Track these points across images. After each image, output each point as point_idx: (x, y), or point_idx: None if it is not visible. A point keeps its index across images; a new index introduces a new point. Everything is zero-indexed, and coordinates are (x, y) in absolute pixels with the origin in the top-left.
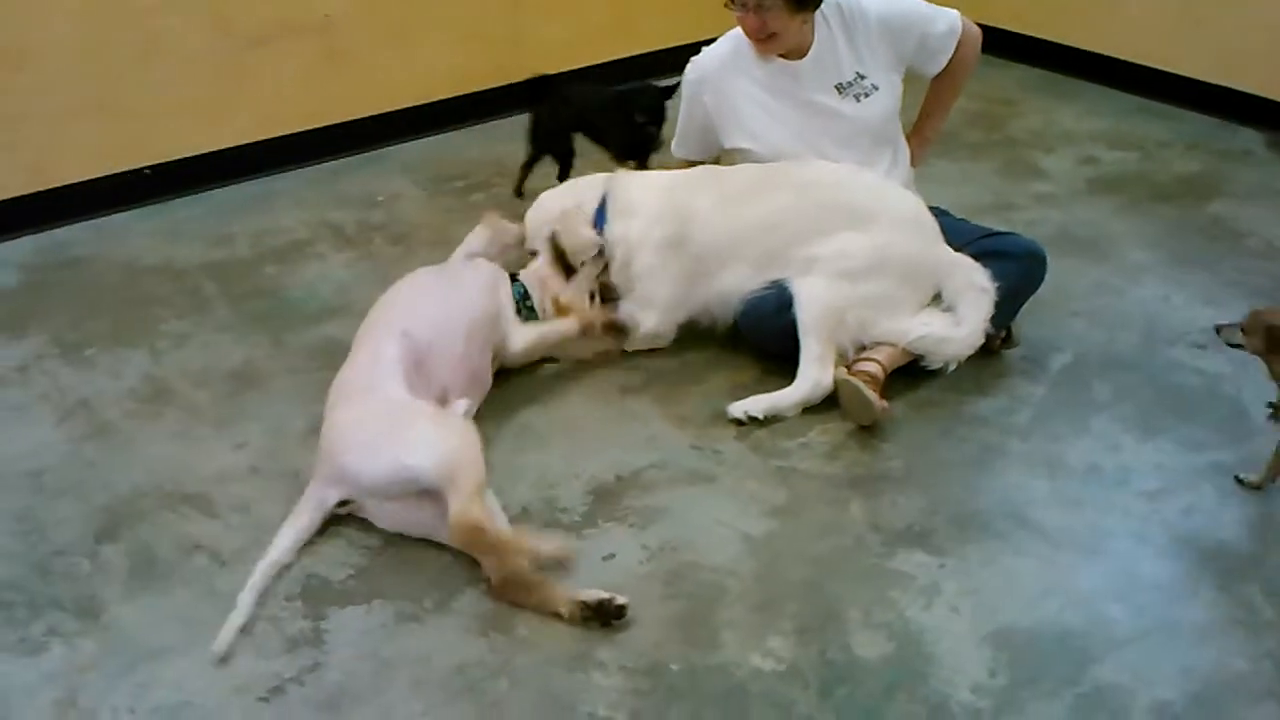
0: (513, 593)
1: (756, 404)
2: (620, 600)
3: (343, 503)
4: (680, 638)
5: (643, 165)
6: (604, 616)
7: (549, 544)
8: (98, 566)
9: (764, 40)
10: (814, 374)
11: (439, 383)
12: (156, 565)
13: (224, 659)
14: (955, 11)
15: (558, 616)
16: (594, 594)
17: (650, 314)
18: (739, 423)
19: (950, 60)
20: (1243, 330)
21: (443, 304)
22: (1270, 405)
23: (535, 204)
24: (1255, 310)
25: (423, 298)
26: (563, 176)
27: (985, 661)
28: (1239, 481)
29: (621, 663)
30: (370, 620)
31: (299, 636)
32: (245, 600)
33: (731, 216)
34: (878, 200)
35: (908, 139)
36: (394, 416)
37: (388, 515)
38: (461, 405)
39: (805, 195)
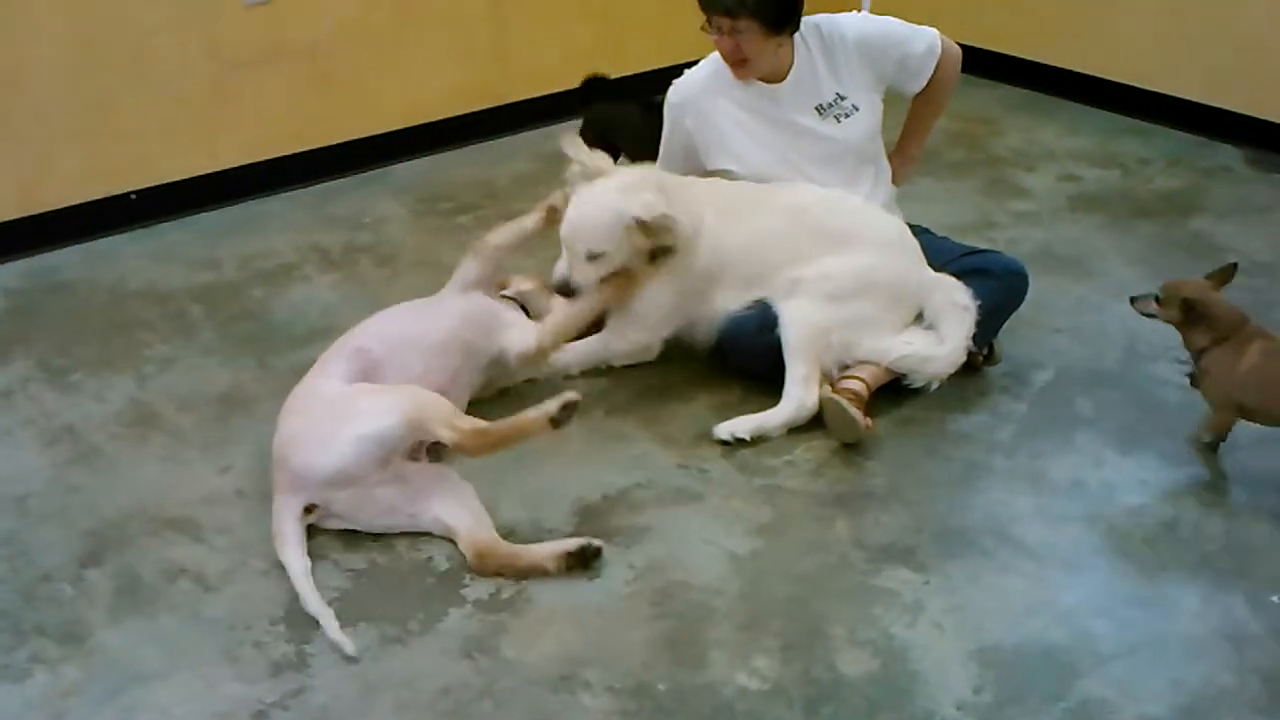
0: (495, 566)
1: (743, 425)
2: (596, 543)
3: (307, 510)
4: (667, 657)
5: None
6: (586, 560)
7: (551, 404)
8: (82, 591)
9: (738, 64)
10: (799, 395)
11: (391, 374)
12: (141, 590)
13: (355, 657)
14: (934, 31)
15: (545, 573)
16: (573, 542)
17: (642, 329)
18: (725, 444)
19: (931, 79)
20: (1158, 301)
21: (406, 324)
22: (1189, 375)
23: (588, 201)
24: (1170, 281)
25: (387, 319)
26: None
27: (970, 678)
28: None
29: (608, 683)
30: (355, 643)
31: (283, 661)
32: (316, 606)
33: (723, 234)
34: (861, 224)
35: (890, 158)
36: (333, 406)
37: (357, 507)
38: None
39: (789, 219)
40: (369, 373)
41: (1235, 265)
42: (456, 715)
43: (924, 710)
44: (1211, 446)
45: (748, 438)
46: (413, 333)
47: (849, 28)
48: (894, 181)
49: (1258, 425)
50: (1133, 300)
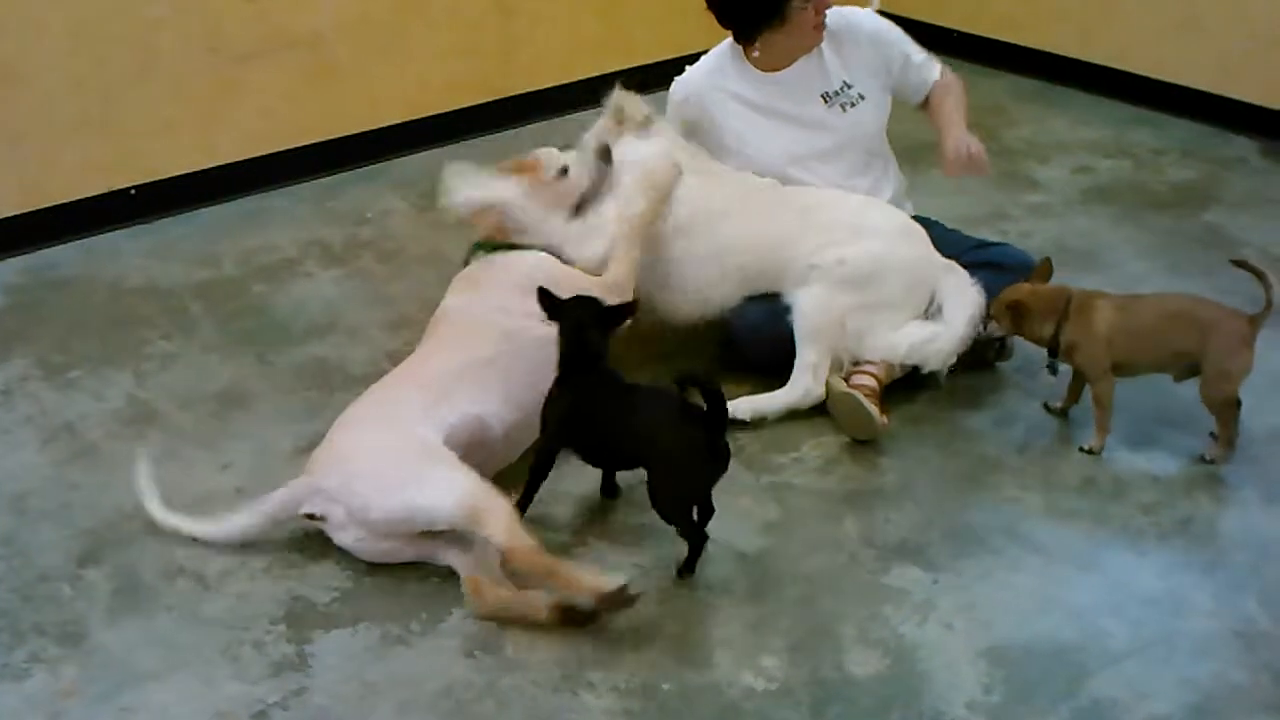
0: (489, 606)
1: (742, 406)
2: (585, 604)
3: (310, 516)
4: (672, 656)
5: None
6: (577, 618)
7: (612, 579)
8: (81, 591)
9: (823, 25)
10: (806, 381)
11: (497, 462)
12: (140, 589)
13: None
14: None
15: (537, 622)
16: (565, 597)
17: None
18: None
19: (935, 85)
20: (993, 318)
21: (528, 397)
22: (1047, 366)
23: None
24: (997, 297)
25: (508, 385)
26: None
27: (980, 677)
28: (1046, 408)
29: (612, 683)
30: (356, 643)
31: (284, 660)
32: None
33: (724, 221)
34: (867, 215)
35: (944, 139)
36: (412, 455)
37: (360, 543)
38: None
39: (800, 216)
40: (475, 445)
41: (1049, 260)
42: (458, 715)
43: (933, 710)
44: (1064, 411)
45: (747, 419)
46: (530, 408)
47: (859, 19)
48: (948, 147)
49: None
50: (983, 325)
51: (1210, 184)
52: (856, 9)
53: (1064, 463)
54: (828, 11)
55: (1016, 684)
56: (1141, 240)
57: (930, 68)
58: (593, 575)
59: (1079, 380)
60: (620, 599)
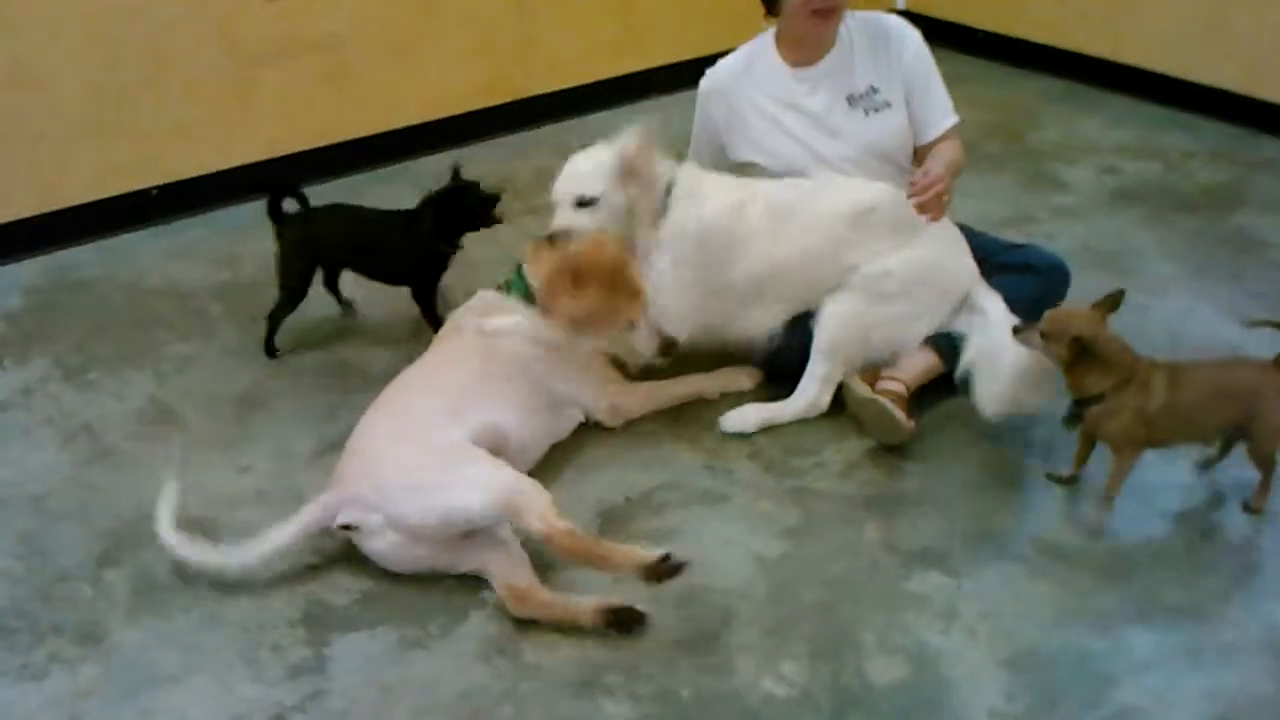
0: (530, 611)
1: (751, 417)
2: (641, 608)
3: (345, 527)
4: (691, 662)
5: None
6: (625, 623)
7: (652, 553)
8: (100, 591)
9: (831, 13)
10: (815, 393)
11: None
12: (159, 590)
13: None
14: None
15: (580, 628)
16: (615, 601)
17: (670, 323)
18: (744, 436)
19: (941, 138)
20: (1043, 336)
21: (546, 423)
22: (1066, 418)
23: (577, 156)
24: (1055, 314)
25: (514, 400)
26: None
27: (1003, 686)
28: (1050, 478)
29: (631, 688)
30: (374, 646)
31: (301, 664)
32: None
33: (777, 242)
34: (916, 219)
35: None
36: (444, 456)
37: (395, 551)
38: None
39: (854, 223)
40: (494, 453)
41: (1123, 292)
42: None
43: (956, 718)
44: (1074, 479)
45: (753, 431)
46: (543, 432)
47: (906, 34)
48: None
49: None
50: (1015, 331)
51: (1239, 186)
52: (895, 18)
53: (1090, 469)
54: (868, 15)
55: (1040, 692)
56: (1169, 242)
57: (948, 118)
58: (632, 551)
59: (1088, 445)
60: (664, 569)
